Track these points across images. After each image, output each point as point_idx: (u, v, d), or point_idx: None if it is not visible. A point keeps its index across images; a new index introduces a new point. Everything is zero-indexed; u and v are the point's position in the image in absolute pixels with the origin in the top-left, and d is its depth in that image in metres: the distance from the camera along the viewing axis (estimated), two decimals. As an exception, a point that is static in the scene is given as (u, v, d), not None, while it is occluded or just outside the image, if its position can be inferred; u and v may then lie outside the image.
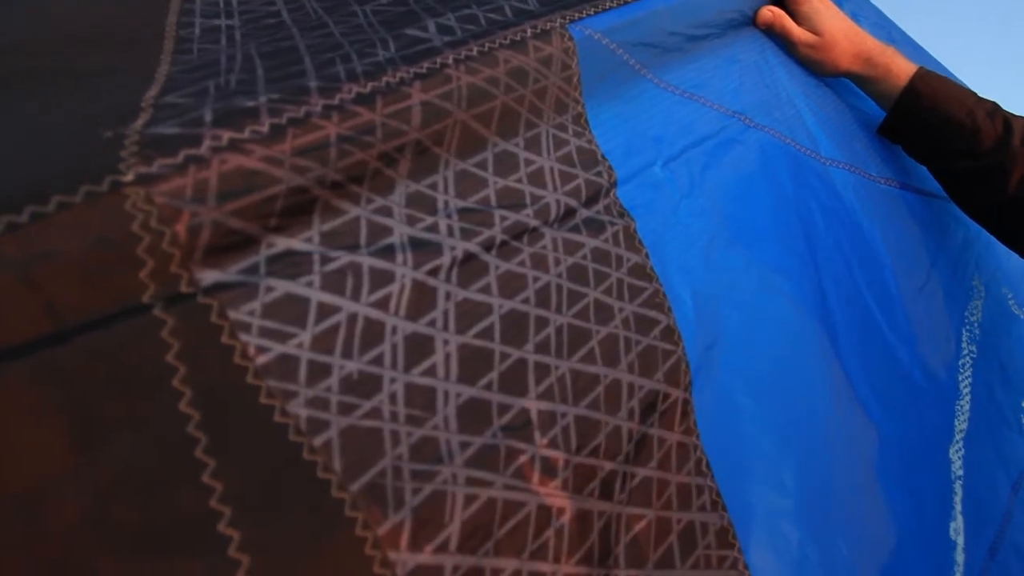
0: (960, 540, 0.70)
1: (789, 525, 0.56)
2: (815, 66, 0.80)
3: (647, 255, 0.55)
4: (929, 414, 0.72)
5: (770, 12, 0.77)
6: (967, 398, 0.77)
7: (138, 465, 0.33)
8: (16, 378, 0.31)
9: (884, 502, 0.63)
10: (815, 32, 0.79)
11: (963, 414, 0.76)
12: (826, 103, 0.80)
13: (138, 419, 0.33)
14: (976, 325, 0.83)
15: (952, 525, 0.70)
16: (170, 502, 0.33)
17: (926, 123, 0.79)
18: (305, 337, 0.38)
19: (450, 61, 0.48)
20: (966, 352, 0.81)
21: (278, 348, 0.37)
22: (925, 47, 0.97)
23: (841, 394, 0.63)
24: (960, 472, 0.74)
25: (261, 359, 0.37)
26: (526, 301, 0.47)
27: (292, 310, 0.38)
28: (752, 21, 0.76)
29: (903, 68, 0.80)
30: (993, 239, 0.83)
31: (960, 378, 0.78)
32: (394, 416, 0.40)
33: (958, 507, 0.71)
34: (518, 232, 0.49)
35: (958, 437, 0.75)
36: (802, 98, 0.77)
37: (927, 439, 0.70)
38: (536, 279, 0.48)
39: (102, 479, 0.32)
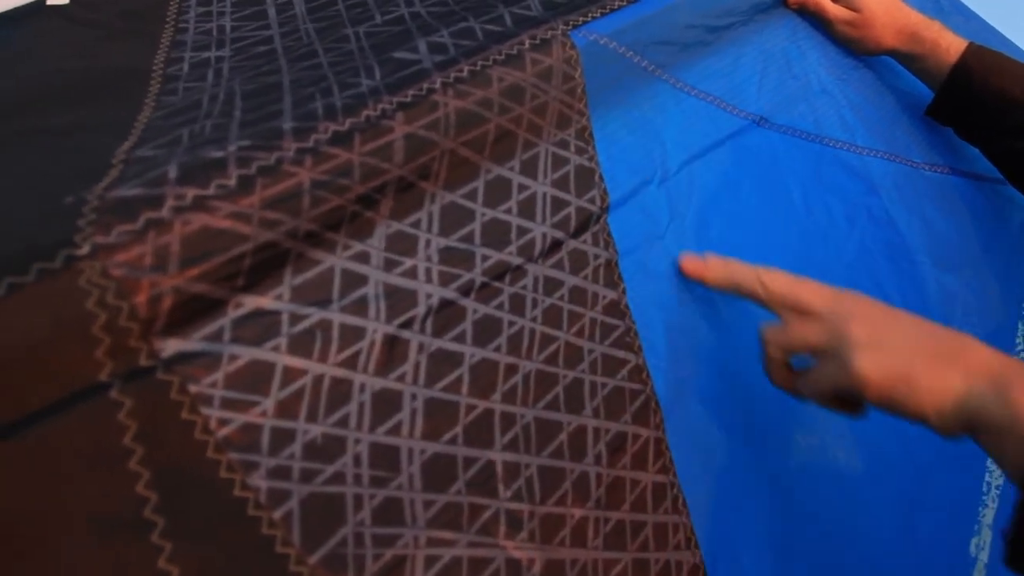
0: (984, 557, 0.67)
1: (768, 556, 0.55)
2: (855, 45, 0.75)
3: (624, 290, 0.53)
4: None
5: (802, -11, 0.72)
6: None
7: (95, 555, 0.33)
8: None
9: (892, 520, 0.61)
10: (853, 8, 0.73)
11: None
12: (865, 87, 0.75)
13: (95, 506, 0.33)
14: None
15: (974, 540, 0.67)
16: (124, 590, 0.33)
17: (979, 101, 0.74)
18: (268, 404, 0.38)
19: (437, 86, 0.46)
20: (1020, 348, 0.77)
21: (240, 418, 0.37)
22: (980, 14, 0.90)
23: (830, 420, 0.60)
24: (999, 481, 0.70)
25: (223, 431, 0.36)
26: (498, 349, 0.46)
27: (256, 377, 0.38)
28: (782, 2, 0.71)
29: (952, 43, 0.75)
30: None
31: None
32: (358, 479, 0.40)
33: (986, 520, 0.68)
34: (500, 272, 0.47)
35: None
36: (837, 84, 0.73)
37: (950, 449, 0.68)
38: (511, 324, 0.47)
39: (59, 572, 0.32)
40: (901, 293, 0.69)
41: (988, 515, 0.69)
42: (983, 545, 0.68)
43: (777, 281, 0.52)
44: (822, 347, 0.48)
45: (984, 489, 0.70)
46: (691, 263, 0.56)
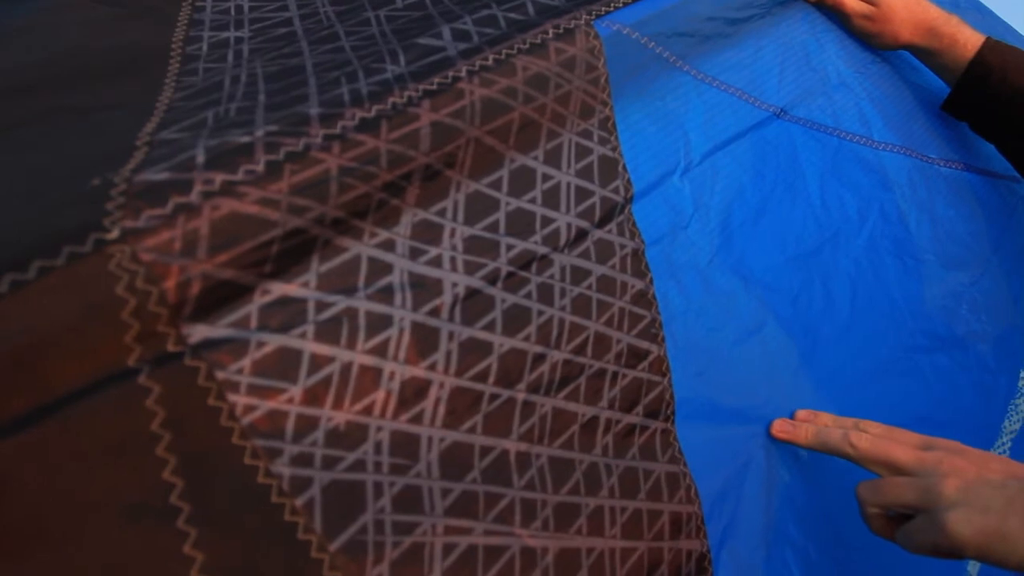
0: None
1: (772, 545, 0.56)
2: (873, 39, 0.75)
3: (651, 280, 0.53)
4: (967, 418, 0.69)
5: (821, -17, 0.72)
6: None
7: (122, 540, 0.33)
8: (2, 458, 0.31)
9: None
10: (871, 2, 0.73)
11: (1017, 414, 0.73)
12: (883, 81, 0.75)
13: (122, 492, 0.33)
14: None
15: None
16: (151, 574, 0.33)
17: (996, 96, 0.74)
18: (296, 391, 0.38)
19: (463, 74, 0.46)
20: None
21: (267, 405, 0.37)
22: (996, 12, 0.90)
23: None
24: None
25: (248, 418, 0.36)
26: (527, 338, 0.46)
27: (283, 364, 0.38)
28: (802, -5, 0.71)
29: (970, 38, 0.75)
30: None
31: (1022, 374, 0.74)
32: (378, 467, 0.40)
33: None
34: (525, 261, 0.47)
35: (1006, 438, 0.72)
36: (855, 77, 0.72)
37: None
38: (541, 313, 0.47)
39: (87, 558, 0.32)
40: (904, 290, 0.69)
41: None
42: None
43: (865, 440, 0.53)
44: (916, 506, 0.49)
45: None
46: (781, 428, 0.58)
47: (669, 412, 0.53)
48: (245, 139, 0.39)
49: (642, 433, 0.51)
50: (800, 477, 0.59)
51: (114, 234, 0.34)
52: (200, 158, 0.37)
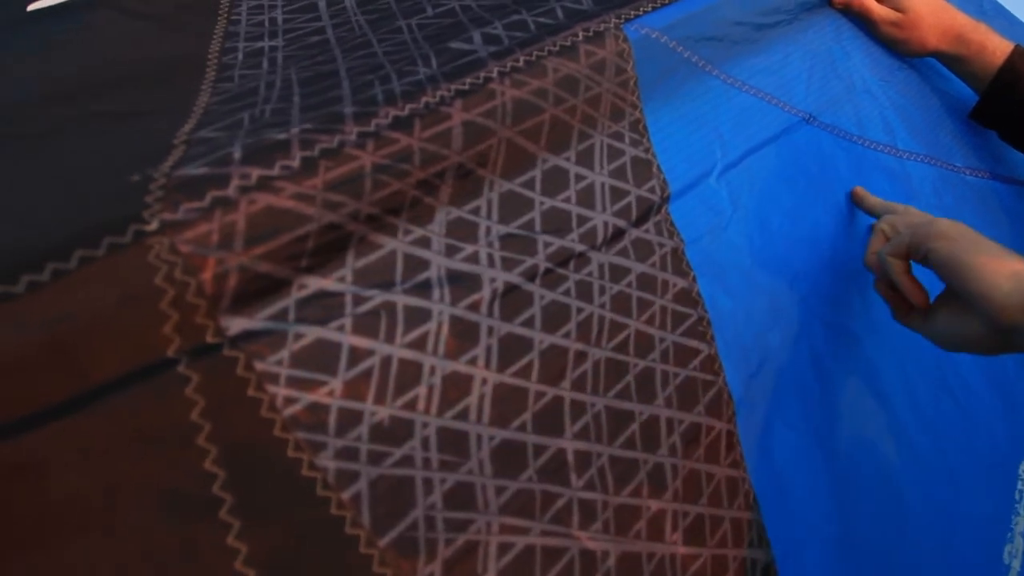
0: (1016, 564, 0.65)
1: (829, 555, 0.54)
2: (899, 46, 0.75)
3: (694, 279, 0.52)
4: (991, 430, 0.67)
5: (847, -10, 0.72)
6: None
7: (163, 530, 0.32)
8: (42, 444, 0.30)
9: (930, 524, 0.60)
10: (898, 9, 0.73)
11: None
12: (908, 89, 0.74)
13: (163, 482, 0.32)
14: None
15: (1007, 548, 0.65)
16: (195, 567, 0.32)
17: None
18: (336, 384, 0.37)
19: (494, 75, 0.46)
20: None
21: (307, 397, 0.36)
22: (1021, 18, 0.89)
23: (881, 422, 0.60)
24: None
25: (289, 410, 0.36)
26: (567, 335, 0.45)
27: (323, 357, 0.37)
28: (828, 1, 0.71)
29: (998, 46, 0.74)
30: None
31: None
32: (427, 463, 0.39)
33: (1018, 528, 0.66)
34: (563, 259, 0.47)
35: None
36: (880, 85, 0.72)
37: (985, 456, 0.66)
38: (580, 310, 0.46)
39: (127, 547, 0.31)
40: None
41: (1021, 523, 0.67)
42: (1016, 553, 0.66)
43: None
44: (917, 222, 0.55)
45: (1016, 498, 0.68)
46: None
47: (730, 413, 0.51)
48: (281, 136, 0.39)
49: (708, 433, 0.50)
50: (856, 485, 0.57)
51: (153, 226, 0.34)
52: (237, 154, 0.38)
